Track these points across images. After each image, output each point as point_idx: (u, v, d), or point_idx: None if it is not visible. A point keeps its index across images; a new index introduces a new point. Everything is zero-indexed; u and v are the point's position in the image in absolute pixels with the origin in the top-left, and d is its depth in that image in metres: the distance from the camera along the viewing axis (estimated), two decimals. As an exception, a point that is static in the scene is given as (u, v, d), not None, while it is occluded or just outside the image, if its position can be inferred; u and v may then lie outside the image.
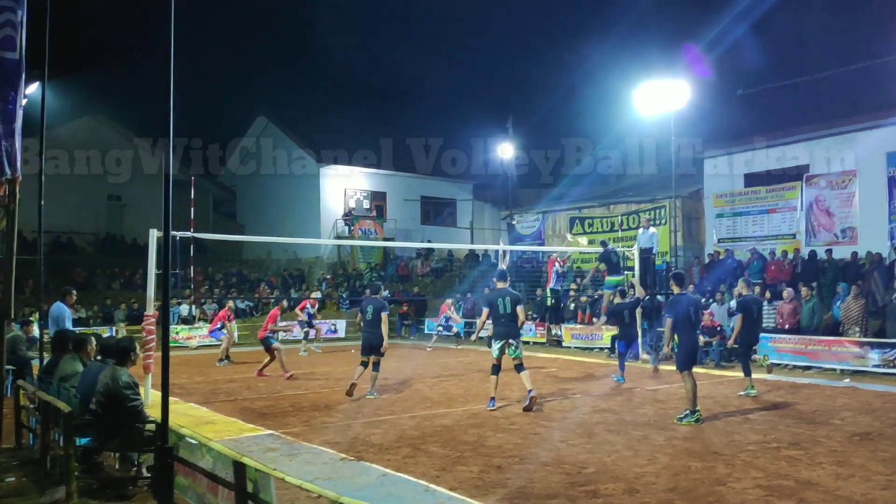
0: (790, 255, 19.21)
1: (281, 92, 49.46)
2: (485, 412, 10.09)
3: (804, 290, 16.29)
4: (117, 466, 6.78)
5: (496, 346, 10.42)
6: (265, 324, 15.01)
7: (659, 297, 18.34)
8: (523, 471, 6.97)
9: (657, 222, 22.73)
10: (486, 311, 10.66)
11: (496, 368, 10.45)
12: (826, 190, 19.98)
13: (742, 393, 11.50)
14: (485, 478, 6.73)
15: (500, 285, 10.78)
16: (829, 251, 18.48)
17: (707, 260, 21.45)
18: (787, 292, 16.48)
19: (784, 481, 6.47)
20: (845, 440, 8.14)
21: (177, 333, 21.60)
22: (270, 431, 8.85)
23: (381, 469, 7.03)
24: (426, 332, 24.68)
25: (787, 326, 16.12)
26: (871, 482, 6.39)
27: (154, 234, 11.19)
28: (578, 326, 20.42)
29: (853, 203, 19.38)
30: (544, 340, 20.96)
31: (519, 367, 10.54)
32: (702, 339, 16.39)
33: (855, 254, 17.78)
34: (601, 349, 19.30)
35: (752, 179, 22.07)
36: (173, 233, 6.17)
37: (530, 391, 10.31)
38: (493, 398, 10.44)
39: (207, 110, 40.74)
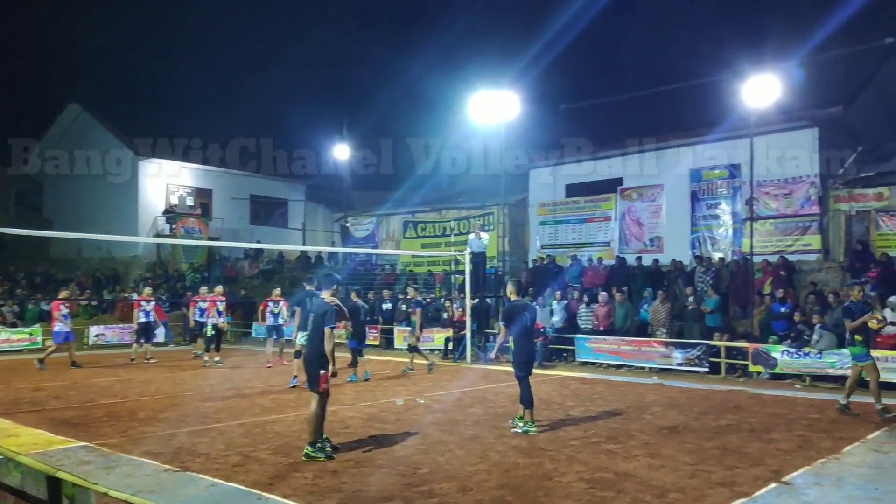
0: (605, 262, 20.58)
1: (97, 79, 45.92)
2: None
3: (618, 295, 17.52)
4: None
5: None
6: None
7: (488, 300, 18.98)
8: (359, 474, 6.93)
9: (487, 228, 23.52)
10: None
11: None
12: (637, 202, 21.62)
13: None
14: (319, 483, 6.62)
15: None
16: (638, 258, 20.00)
17: (531, 265, 22.48)
18: (602, 296, 17.64)
19: (604, 474, 6.90)
20: (656, 433, 8.82)
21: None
22: (84, 443, 8.17)
23: (209, 479, 6.71)
24: (253, 336, 23.92)
25: (601, 328, 17.25)
26: (679, 472, 6.96)
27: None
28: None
29: (660, 215, 21.12)
30: (378, 343, 20.99)
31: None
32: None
33: (656, 261, 19.34)
34: (432, 350, 19.64)
35: (572, 190, 23.42)
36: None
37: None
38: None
39: (9, 94, 37.18)
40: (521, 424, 8.91)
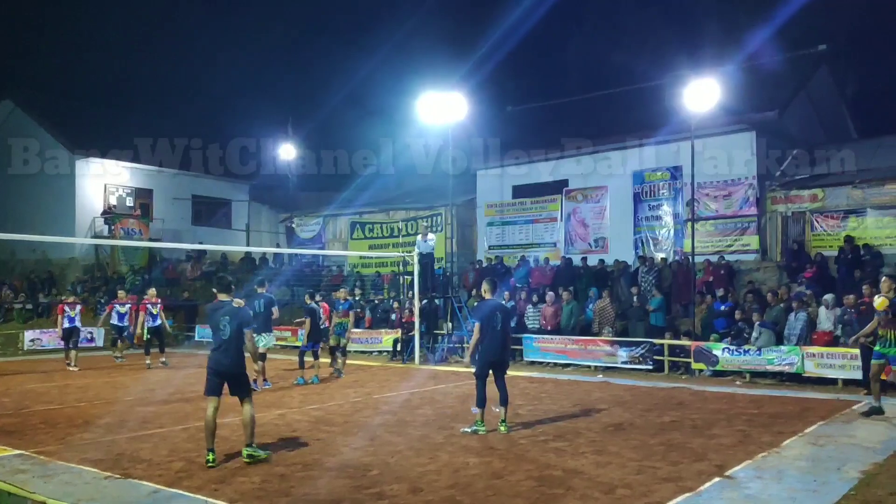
0: (551, 262, 20.80)
1: (33, 75, 44.35)
2: (263, 420, 9.76)
3: (565, 294, 17.71)
4: None
5: None
6: None
7: (436, 300, 18.97)
8: (307, 477, 6.83)
9: (435, 229, 23.50)
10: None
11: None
12: (582, 203, 21.90)
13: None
14: (267, 487, 6.50)
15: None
16: (584, 259, 20.27)
17: (479, 266, 22.55)
18: (550, 296, 17.81)
19: (553, 471, 6.95)
20: (602, 430, 8.94)
21: None
22: (19, 451, 7.86)
23: (152, 486, 6.53)
24: (197, 339, 23.42)
25: (549, 328, 17.41)
26: (626, 468, 7.06)
27: None
28: (357, 330, 20.45)
29: (605, 216, 21.44)
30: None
31: None
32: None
33: (602, 261, 19.64)
34: (380, 352, 19.57)
35: (519, 191, 23.59)
36: None
37: None
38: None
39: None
40: (502, 427, 8.90)
